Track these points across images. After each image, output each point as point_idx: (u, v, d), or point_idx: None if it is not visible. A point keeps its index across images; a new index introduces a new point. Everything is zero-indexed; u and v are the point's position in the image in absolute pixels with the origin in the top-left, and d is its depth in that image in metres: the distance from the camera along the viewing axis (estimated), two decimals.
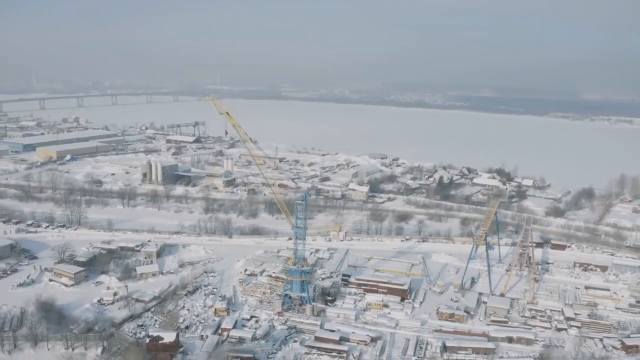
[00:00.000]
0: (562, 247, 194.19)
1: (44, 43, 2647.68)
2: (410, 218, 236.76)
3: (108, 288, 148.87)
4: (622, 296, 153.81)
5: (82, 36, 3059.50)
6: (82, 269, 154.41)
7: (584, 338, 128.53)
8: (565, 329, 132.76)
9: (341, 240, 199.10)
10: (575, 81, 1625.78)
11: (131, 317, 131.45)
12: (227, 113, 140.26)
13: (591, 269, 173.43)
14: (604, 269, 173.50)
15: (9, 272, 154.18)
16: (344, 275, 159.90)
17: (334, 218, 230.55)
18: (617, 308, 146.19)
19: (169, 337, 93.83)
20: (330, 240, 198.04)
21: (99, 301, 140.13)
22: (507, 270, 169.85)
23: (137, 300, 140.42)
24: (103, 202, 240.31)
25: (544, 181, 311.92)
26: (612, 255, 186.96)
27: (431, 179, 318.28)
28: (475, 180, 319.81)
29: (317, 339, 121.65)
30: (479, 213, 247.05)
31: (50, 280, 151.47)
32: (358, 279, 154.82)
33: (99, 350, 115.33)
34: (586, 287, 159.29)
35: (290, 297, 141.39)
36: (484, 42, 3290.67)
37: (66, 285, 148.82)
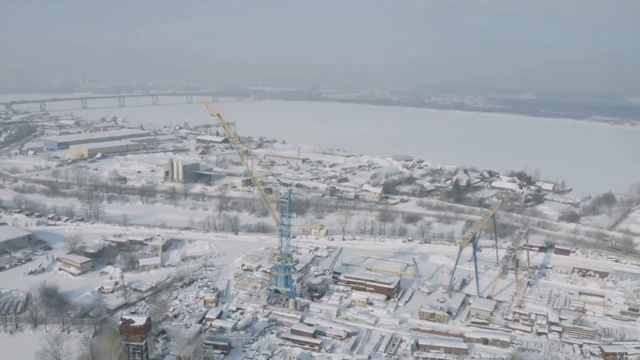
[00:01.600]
0: (566, 252, 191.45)
1: (90, 44, 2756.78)
2: (418, 220, 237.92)
3: (111, 278, 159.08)
4: (616, 303, 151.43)
5: (127, 38, 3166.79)
6: (89, 259, 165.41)
7: (562, 343, 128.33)
8: (546, 334, 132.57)
9: (323, 237, 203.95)
10: (621, 84, 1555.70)
11: (125, 305, 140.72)
12: (218, 115, 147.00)
13: (590, 275, 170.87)
14: (603, 275, 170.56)
15: (23, 261, 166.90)
16: (334, 272, 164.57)
17: (339, 218, 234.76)
18: (606, 315, 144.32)
19: (140, 320, 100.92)
20: (318, 239, 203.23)
21: (99, 289, 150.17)
22: (502, 273, 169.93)
23: (135, 290, 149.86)
24: (124, 198, 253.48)
25: (565, 185, 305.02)
26: (616, 261, 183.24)
27: (448, 182, 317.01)
28: (494, 184, 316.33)
29: (293, 331, 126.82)
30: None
31: (60, 269, 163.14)
32: (347, 277, 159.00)
33: (91, 333, 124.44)
34: (580, 293, 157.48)
35: (278, 292, 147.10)
36: (528, 43, 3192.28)
37: (73, 274, 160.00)
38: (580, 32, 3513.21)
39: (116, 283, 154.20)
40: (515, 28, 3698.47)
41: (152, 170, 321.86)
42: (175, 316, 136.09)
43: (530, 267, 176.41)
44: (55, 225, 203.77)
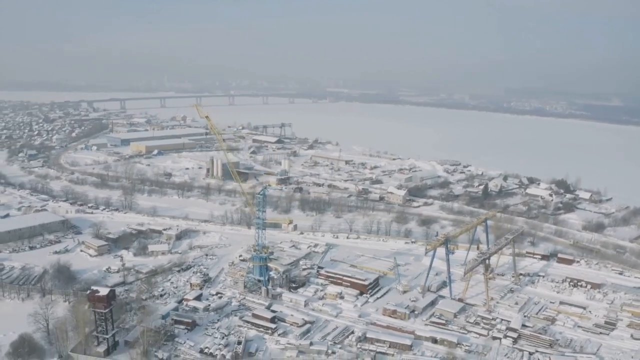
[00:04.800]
0: (570, 262, 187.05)
1: (175, 45, 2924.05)
2: (433, 223, 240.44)
3: (121, 260, 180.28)
4: (595, 315, 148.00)
5: (211, 40, 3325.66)
6: (106, 243, 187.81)
7: (513, 349, 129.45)
8: (500, 338, 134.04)
9: (292, 232, 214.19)
10: None
11: (123, 283, 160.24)
12: (207, 117, 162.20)
13: (581, 286, 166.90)
14: (596, 286, 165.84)
15: (53, 242, 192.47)
16: (319, 267, 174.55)
17: (360, 217, 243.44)
18: (578, 326, 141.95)
19: (104, 291, 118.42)
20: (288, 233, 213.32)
21: (107, 269, 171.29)
22: (490, 278, 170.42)
23: (137, 272, 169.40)
24: (163, 192, 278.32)
25: (604, 194, 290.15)
26: (620, 274, 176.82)
27: (480, 187, 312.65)
28: (528, 190, 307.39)
29: (254, 315, 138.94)
30: (509, 222, 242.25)
31: (81, 250, 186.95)
32: (327, 272, 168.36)
33: (88, 305, 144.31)
34: (560, 302, 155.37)
35: (259, 280, 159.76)
36: (614, 47, 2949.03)
37: (91, 256, 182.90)
38: None
39: (123, 264, 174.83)
40: (602, 31, 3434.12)
41: (200, 167, 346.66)
42: (161, 295, 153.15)
43: (520, 274, 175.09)
44: (92, 213, 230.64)
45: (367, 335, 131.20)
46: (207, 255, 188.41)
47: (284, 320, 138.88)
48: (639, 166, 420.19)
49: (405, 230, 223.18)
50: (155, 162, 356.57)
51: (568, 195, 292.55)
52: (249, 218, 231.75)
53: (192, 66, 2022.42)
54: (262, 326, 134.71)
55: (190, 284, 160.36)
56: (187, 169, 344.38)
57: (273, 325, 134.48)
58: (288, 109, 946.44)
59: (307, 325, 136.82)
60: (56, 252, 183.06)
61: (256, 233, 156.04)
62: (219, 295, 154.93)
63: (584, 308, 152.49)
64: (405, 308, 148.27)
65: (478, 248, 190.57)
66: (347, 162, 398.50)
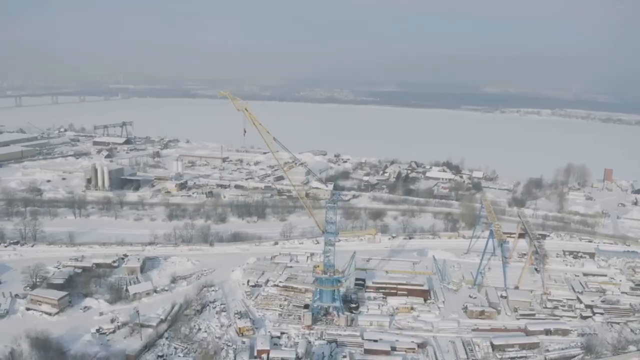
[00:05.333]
0: (543, 237, 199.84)
1: None
2: (384, 215, 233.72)
3: (101, 314, 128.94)
4: (620, 280, 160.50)
5: None
6: (64, 293, 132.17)
7: (610, 324, 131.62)
8: (591, 317, 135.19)
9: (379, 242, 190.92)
10: (472, 76, 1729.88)
11: (146, 347, 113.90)
12: (246, 109, 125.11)
13: (581, 257, 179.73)
14: (591, 255, 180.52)
15: None
16: (357, 279, 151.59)
17: (295, 219, 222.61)
18: (622, 292, 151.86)
19: None
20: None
21: (97, 330, 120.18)
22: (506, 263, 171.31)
23: (143, 326, 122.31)
24: (51, 212, 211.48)
25: (494, 172, 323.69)
26: (590, 242, 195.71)
27: (386, 175, 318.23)
28: (428, 174, 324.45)
29: (367, 351, 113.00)
30: (447, 207, 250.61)
31: (28, 309, 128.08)
32: (375, 282, 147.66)
33: None
34: (585, 274, 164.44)
35: (315, 308, 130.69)
36: (383, 37, 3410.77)
37: (49, 314, 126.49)
38: (431, 26, 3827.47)
39: (113, 320, 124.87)
40: (365, 23, 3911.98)
41: (64, 178, 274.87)
42: (215, 353, 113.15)
43: (532, 254, 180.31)
44: None
45: (495, 343, 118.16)
46: (205, 287, 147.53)
47: (394, 348, 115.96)
48: (489, 144, 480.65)
49: (381, 227, 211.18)
50: (2, 176, 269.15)
51: (464, 176, 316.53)
52: (205, 234, 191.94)
53: None
54: None
55: (239, 328, 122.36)
56: (49, 181, 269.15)
57: (399, 358, 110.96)
58: (87, 108, 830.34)
59: (429, 348, 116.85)
60: None
61: (325, 251, 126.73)
62: (284, 335, 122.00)
63: (606, 275, 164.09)
64: (481, 305, 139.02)
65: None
66: (224, 160, 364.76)
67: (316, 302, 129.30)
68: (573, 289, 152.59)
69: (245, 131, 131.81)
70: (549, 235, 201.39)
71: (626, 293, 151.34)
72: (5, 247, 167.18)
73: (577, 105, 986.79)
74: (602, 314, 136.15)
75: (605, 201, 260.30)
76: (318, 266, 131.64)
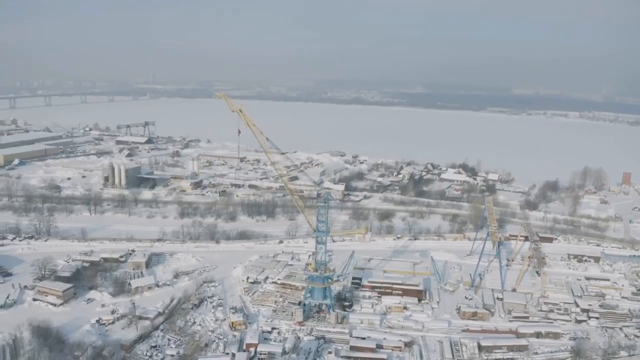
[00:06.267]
0: (550, 240, 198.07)
1: None
2: (392, 216, 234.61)
3: (103, 305, 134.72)
4: (623, 285, 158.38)
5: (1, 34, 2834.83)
6: (69, 285, 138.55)
7: (605, 329, 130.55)
8: (585, 321, 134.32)
9: (334, 241, 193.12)
10: (503, 78, 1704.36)
11: (141, 338, 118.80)
12: (240, 110, 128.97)
13: (585, 260, 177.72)
14: (596, 259, 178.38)
15: None
16: (354, 278, 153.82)
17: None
18: (622, 297, 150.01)
19: None
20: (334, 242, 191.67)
21: (97, 321, 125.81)
22: (507, 265, 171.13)
23: (141, 318, 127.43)
24: (67, 209, 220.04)
25: (509, 175, 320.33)
26: (598, 245, 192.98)
27: (400, 176, 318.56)
28: (442, 176, 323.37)
29: (353, 348, 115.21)
30: (457, 208, 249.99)
31: (35, 299, 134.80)
32: (371, 282, 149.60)
33: None
34: (587, 278, 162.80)
35: (308, 305, 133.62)
36: (412, 40, 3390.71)
37: (54, 305, 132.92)
38: (464, 28, 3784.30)
39: (113, 311, 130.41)
40: (400, 26, 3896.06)
41: (84, 176, 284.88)
42: (206, 345, 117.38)
43: (532, 257, 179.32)
44: (2, 245, 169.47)
45: (482, 344, 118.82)
46: (205, 282, 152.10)
47: (381, 346, 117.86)
48: (511, 147, 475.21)
49: (387, 227, 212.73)
50: (24, 174, 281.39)
51: (479, 178, 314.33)
52: (212, 232, 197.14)
53: None
54: (370, 359, 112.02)
55: (232, 323, 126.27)
56: (69, 178, 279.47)
57: (384, 356, 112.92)
58: (115, 107, 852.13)
59: (415, 347, 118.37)
60: (2, 307, 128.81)
61: (316, 249, 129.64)
62: (275, 331, 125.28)
63: (608, 280, 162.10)
64: (475, 307, 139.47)
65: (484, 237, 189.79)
66: (242, 160, 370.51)
67: (307, 299, 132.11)
68: (572, 292, 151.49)
69: (239, 132, 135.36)
70: (556, 239, 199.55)
71: (627, 298, 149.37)
72: (20, 241, 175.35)
73: (606, 107, 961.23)
74: (597, 318, 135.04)
75: (620, 205, 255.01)
76: (310, 264, 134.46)
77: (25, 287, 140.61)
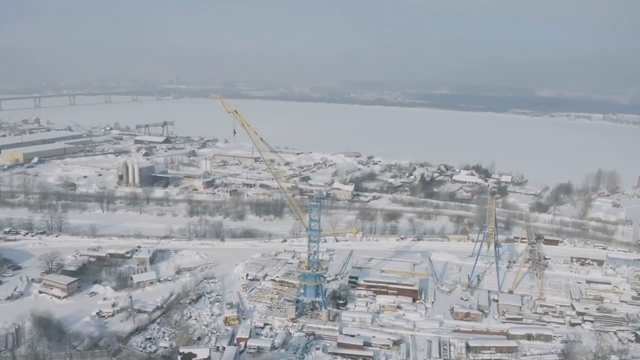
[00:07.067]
0: (555, 242, 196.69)
1: None
2: (399, 217, 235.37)
3: (105, 299, 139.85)
4: (624, 289, 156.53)
5: (32, 34, 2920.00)
6: (73, 279, 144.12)
7: (598, 332, 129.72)
8: (579, 324, 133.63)
9: (337, 241, 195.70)
10: (529, 79, 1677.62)
11: (137, 330, 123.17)
12: (236, 111, 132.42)
13: (588, 264, 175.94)
14: (600, 262, 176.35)
15: None
16: (350, 277, 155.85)
17: (324, 219, 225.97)
18: (621, 301, 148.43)
19: (202, 353, 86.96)
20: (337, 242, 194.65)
21: (98, 313, 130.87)
22: (507, 267, 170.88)
23: (140, 311, 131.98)
24: (80, 206, 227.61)
25: (522, 177, 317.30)
26: (604, 249, 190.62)
27: (412, 177, 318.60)
28: (455, 177, 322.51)
29: (340, 345, 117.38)
30: (466, 210, 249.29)
31: (40, 292, 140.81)
32: (367, 281, 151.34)
33: None
34: (587, 282, 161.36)
35: (302, 303, 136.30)
36: (438, 41, 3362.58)
37: (58, 297, 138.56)
38: (483, 31, 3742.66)
39: (114, 304, 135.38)
40: (424, 27, 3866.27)
41: (99, 175, 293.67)
42: (199, 338, 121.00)
43: (530, 259, 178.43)
44: (15, 240, 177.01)
45: (471, 344, 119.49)
46: (206, 278, 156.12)
47: (369, 344, 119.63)
48: (528, 149, 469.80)
49: (390, 227, 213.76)
50: (42, 172, 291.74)
51: (491, 180, 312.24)
52: (217, 230, 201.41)
53: (14, 64, 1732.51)
54: (358, 356, 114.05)
55: (226, 318, 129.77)
56: (86, 176, 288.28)
57: (370, 353, 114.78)
58: (139, 107, 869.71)
59: (402, 346, 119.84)
60: (9, 299, 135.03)
61: (309, 248, 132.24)
62: (268, 326, 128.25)
63: (609, 284, 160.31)
64: (470, 308, 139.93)
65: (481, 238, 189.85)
66: (256, 160, 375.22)
67: (300, 296, 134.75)
68: (571, 295, 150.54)
69: (235, 132, 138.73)
70: (561, 241, 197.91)
71: (626, 302, 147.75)
72: (32, 236, 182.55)
73: (631, 110, 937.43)
74: (591, 321, 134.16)
75: (633, 209, 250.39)
76: (303, 262, 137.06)
77: (33, 280, 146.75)
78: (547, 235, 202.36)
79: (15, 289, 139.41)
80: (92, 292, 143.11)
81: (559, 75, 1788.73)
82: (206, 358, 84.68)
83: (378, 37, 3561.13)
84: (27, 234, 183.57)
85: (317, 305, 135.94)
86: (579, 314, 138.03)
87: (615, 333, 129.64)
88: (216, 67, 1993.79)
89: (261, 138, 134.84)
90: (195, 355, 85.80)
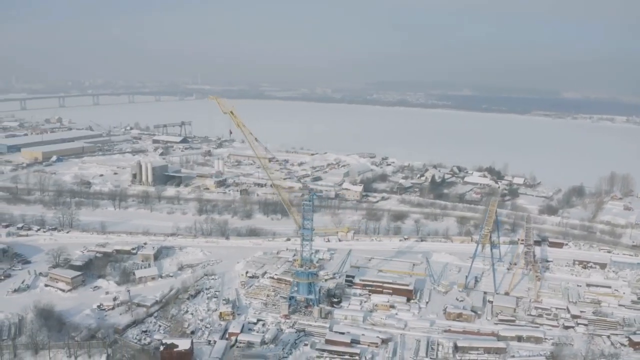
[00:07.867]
0: (560, 245, 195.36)
1: (19, 42, 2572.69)
2: (406, 217, 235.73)
3: (107, 293, 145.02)
4: (624, 293, 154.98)
5: (59, 35, 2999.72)
6: (78, 273, 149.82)
7: (591, 336, 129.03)
8: (573, 327, 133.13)
9: (340, 241, 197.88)
10: (554, 80, 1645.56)
11: (134, 323, 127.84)
12: (231, 112, 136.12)
13: (591, 267, 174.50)
14: (602, 266, 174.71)
15: (2, 278, 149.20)
16: (347, 276, 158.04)
17: (329, 218, 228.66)
18: (620, 305, 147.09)
19: (183, 344, 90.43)
20: (340, 241, 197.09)
21: (98, 306, 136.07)
22: (508, 269, 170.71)
23: (139, 305, 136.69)
24: (94, 203, 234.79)
25: (535, 179, 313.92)
26: (609, 252, 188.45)
27: (423, 178, 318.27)
28: (466, 179, 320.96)
29: (328, 341, 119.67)
30: (473, 212, 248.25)
31: (46, 285, 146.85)
32: (362, 280, 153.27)
33: (103, 357, 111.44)
34: (587, 285, 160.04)
35: (295, 300, 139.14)
36: (464, 42, 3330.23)
37: (63, 291, 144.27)
38: (510, 32, 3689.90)
39: (115, 298, 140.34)
40: (450, 28, 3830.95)
41: (115, 173, 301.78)
42: (193, 332, 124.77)
43: (533, 261, 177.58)
44: (27, 236, 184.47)
45: (458, 344, 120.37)
46: (206, 275, 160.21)
47: (357, 342, 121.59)
48: (544, 151, 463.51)
49: (394, 228, 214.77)
50: (60, 170, 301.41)
51: (503, 182, 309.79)
52: (223, 228, 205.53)
53: (40, 65, 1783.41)
54: (345, 353, 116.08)
55: (220, 313, 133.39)
56: (102, 175, 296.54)
57: (357, 350, 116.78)
58: (158, 107, 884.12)
59: (390, 344, 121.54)
60: (15, 291, 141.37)
61: (301, 246, 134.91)
62: (260, 322, 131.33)
63: (609, 287, 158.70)
64: (464, 309, 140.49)
65: (478, 239, 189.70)
66: (270, 160, 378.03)
67: (293, 293, 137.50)
68: (569, 298, 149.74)
69: (231, 132, 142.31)
70: (566, 244, 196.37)
71: (624, 306, 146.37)
72: (44, 232, 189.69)
73: None
74: (585, 325, 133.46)
75: None
76: (296, 260, 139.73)
77: (40, 274, 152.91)
78: (552, 238, 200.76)
79: (22, 282, 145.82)
80: (95, 286, 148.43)
81: (586, 77, 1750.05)
82: (187, 349, 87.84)
83: (404, 38, 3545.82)
84: (39, 229, 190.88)
85: (310, 302, 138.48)
86: (574, 317, 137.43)
87: (608, 337, 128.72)
88: (240, 68, 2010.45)
89: (256, 138, 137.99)
90: (177, 346, 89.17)
